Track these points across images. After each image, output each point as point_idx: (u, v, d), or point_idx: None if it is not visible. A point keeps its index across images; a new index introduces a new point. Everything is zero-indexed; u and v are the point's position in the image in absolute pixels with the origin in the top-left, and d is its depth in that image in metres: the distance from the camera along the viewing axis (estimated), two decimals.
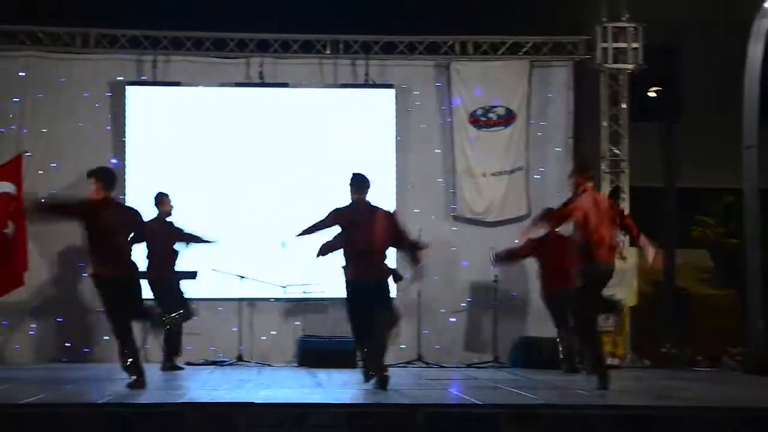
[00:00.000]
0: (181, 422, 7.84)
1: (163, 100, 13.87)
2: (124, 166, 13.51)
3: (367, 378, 9.85)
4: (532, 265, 13.56)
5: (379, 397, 9.17)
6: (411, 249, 10.41)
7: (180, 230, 12.37)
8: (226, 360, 13.17)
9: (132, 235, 10.09)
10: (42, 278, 13.44)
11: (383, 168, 13.41)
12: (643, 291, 14.15)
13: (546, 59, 14.34)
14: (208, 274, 12.76)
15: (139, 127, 13.77)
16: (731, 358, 13.39)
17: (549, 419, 8.10)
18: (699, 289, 15.52)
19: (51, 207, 10.64)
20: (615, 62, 14.08)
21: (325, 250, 10.29)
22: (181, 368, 12.25)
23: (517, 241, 12.79)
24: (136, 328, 12.88)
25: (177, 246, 12.30)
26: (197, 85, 13.93)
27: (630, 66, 14.08)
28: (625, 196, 13.91)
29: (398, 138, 14.02)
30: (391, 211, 10.37)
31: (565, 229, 11.44)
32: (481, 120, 14.18)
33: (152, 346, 13.01)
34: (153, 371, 11.95)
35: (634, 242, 11.20)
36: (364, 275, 9.91)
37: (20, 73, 13.69)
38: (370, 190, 10.11)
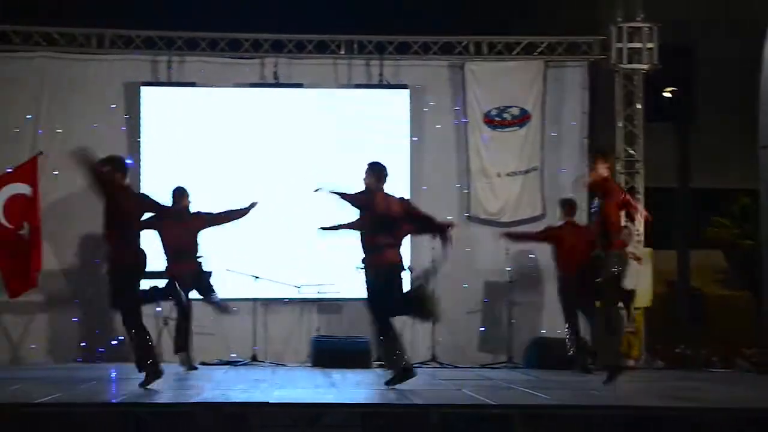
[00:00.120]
0: (195, 422, 7.86)
1: (178, 100, 13.90)
2: (138, 167, 13.54)
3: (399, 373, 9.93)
4: (546, 265, 13.57)
5: (392, 397, 9.18)
6: (436, 228, 10.39)
7: (204, 216, 12.38)
8: (241, 360, 13.19)
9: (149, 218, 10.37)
10: (56, 278, 13.47)
11: (397, 168, 13.38)
12: (658, 292, 14.12)
13: (561, 59, 14.32)
14: (223, 274, 12.77)
15: (154, 128, 13.81)
16: (745, 359, 13.35)
17: (562, 419, 8.09)
18: (714, 289, 15.50)
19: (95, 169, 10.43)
20: (630, 62, 14.04)
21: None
22: (195, 368, 12.25)
23: None
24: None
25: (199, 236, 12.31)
26: (212, 86, 13.95)
27: (645, 66, 14.03)
28: (640, 196, 13.87)
29: (412, 138, 14.02)
30: (405, 198, 10.48)
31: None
32: (495, 120, 14.16)
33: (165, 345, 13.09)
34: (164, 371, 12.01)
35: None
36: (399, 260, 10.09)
37: (35, 74, 13.74)
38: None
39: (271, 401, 8.49)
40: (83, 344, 13.38)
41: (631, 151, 14.06)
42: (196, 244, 12.28)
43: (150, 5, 14.20)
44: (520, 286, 13.77)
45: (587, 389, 9.98)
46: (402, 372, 9.94)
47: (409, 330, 12.58)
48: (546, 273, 13.64)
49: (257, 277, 13.21)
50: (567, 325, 12.43)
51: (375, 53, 14.15)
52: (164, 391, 9.70)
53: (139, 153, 13.69)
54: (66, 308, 13.39)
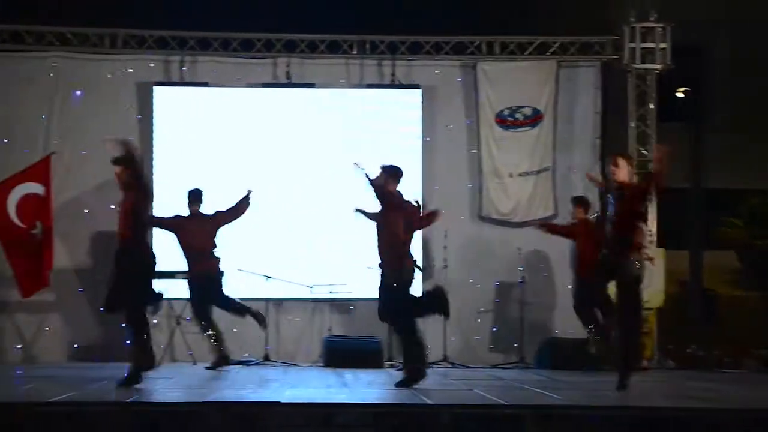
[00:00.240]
0: (207, 421, 7.87)
1: (191, 100, 13.93)
2: (151, 167, 13.56)
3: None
4: (558, 266, 13.56)
5: (404, 397, 9.18)
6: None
7: (213, 216, 12.45)
8: (253, 359, 13.20)
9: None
10: (68, 277, 13.51)
11: (409, 168, 13.37)
12: (670, 292, 14.10)
13: (573, 59, 14.30)
14: (235, 275, 12.79)
15: (167, 128, 13.83)
16: (756, 359, 13.33)
17: (574, 420, 8.08)
18: (726, 290, 15.46)
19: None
20: (643, 62, 14.02)
21: (370, 216, 10.44)
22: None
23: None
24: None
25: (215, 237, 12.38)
26: (224, 86, 13.97)
27: (658, 66, 14.01)
28: (652, 197, 13.84)
29: (424, 138, 14.02)
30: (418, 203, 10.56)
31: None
32: (507, 120, 14.16)
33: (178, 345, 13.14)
34: (176, 370, 12.05)
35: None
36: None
37: (49, 74, 13.78)
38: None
39: (283, 401, 8.50)
40: (96, 344, 13.39)
41: (644, 152, 14.03)
42: (213, 245, 12.37)
43: (163, 5, 14.20)
44: (532, 286, 13.75)
45: (599, 389, 9.96)
46: (418, 374, 9.97)
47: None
48: (558, 273, 13.64)
49: (269, 277, 13.23)
50: (589, 327, 12.45)
51: (387, 53, 14.16)
52: (176, 390, 9.72)
53: (151, 153, 13.71)
54: (78, 307, 13.41)
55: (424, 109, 14.02)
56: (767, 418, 8.14)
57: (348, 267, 13.16)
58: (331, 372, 12.21)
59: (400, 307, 10.11)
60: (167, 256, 12.14)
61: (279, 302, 13.67)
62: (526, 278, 13.68)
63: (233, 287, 12.75)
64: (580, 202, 12.95)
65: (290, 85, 14.00)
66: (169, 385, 10.31)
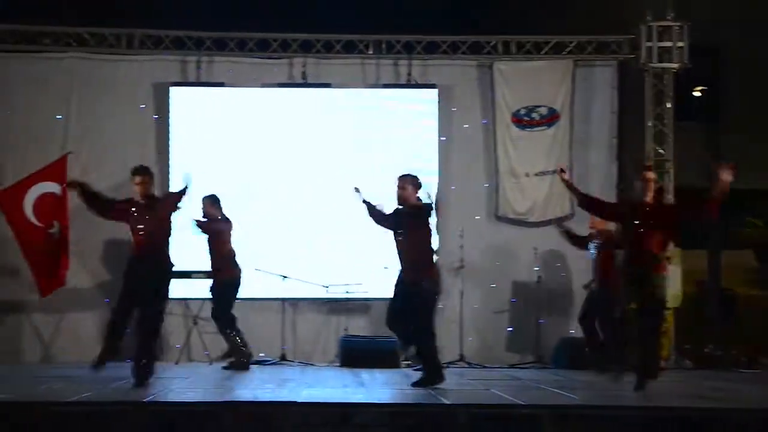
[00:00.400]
0: (224, 421, 7.88)
1: (207, 100, 13.95)
2: (167, 167, 13.61)
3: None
4: (575, 265, 13.53)
5: (421, 397, 9.18)
6: None
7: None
8: (269, 359, 13.22)
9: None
10: (85, 277, 13.56)
11: (426, 168, 13.38)
12: (688, 292, 14.05)
13: (590, 59, 14.26)
14: (251, 274, 12.81)
15: (183, 128, 13.86)
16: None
17: (591, 420, 8.07)
18: (744, 289, 15.41)
19: None
20: (660, 61, 13.97)
21: (372, 211, 10.37)
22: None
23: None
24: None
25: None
26: (240, 86, 13.98)
27: (675, 65, 13.95)
28: (670, 196, 13.81)
29: (441, 138, 14.01)
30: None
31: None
32: (524, 120, 14.13)
33: (195, 344, 13.17)
34: (192, 370, 12.07)
35: None
36: None
37: (66, 75, 13.82)
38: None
39: (299, 400, 8.51)
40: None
41: (661, 151, 13.98)
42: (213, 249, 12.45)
43: (179, 6, 14.23)
44: (548, 285, 13.74)
45: (616, 390, 9.93)
46: (437, 375, 9.98)
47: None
48: (575, 273, 13.60)
49: (285, 277, 13.24)
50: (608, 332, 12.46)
51: (403, 53, 14.15)
52: (193, 390, 9.74)
53: (167, 153, 13.75)
54: (96, 307, 13.44)
55: (440, 108, 14.01)
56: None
57: (364, 267, 13.16)
58: (348, 372, 12.21)
59: (432, 316, 10.15)
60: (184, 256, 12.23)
61: (295, 302, 13.68)
62: (543, 278, 13.66)
63: (250, 287, 12.77)
64: None
65: (306, 85, 14.01)
66: (185, 384, 10.33)
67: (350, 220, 13.14)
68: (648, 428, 8.02)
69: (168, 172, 13.58)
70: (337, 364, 13.19)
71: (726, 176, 9.64)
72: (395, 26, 14.24)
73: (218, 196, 12.47)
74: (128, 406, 8.24)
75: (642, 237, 9.84)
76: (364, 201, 10.38)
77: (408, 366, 12.57)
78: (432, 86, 14.07)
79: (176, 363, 12.99)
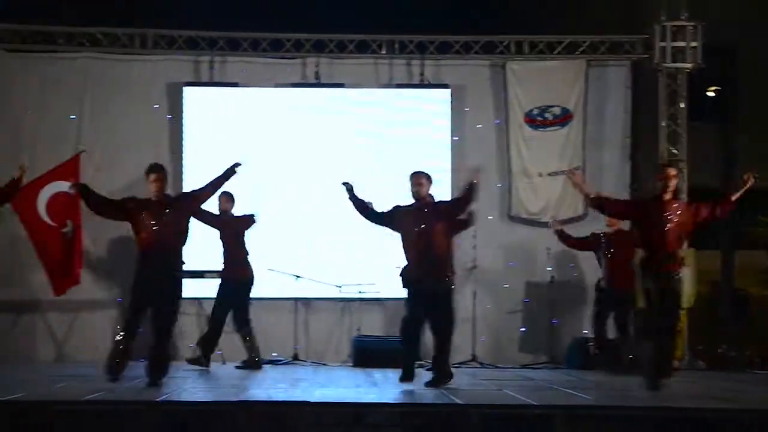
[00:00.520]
0: (237, 421, 7.89)
1: (220, 100, 13.97)
2: (181, 166, 13.64)
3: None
4: (587, 265, 13.50)
5: (433, 397, 9.17)
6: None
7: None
8: (282, 359, 13.24)
9: None
10: (99, 276, 13.59)
11: (439, 168, 13.39)
12: (701, 292, 14.02)
13: (603, 59, 14.24)
14: (264, 274, 12.83)
15: (196, 128, 13.89)
16: None
17: (604, 420, 8.05)
18: (757, 290, 15.36)
19: None
20: (674, 61, 13.94)
21: (363, 207, 10.38)
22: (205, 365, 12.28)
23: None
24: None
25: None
26: (254, 86, 14.00)
27: (689, 65, 13.92)
28: (684, 196, 13.78)
29: (453, 138, 14.00)
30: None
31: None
32: (537, 120, 14.12)
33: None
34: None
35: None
36: None
37: (79, 75, 13.86)
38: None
39: (312, 400, 8.51)
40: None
41: (674, 151, 13.95)
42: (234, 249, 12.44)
43: (192, 6, 14.26)
44: (561, 285, 13.72)
45: (629, 390, 9.92)
46: (447, 374, 10.01)
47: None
48: (587, 273, 13.58)
49: (298, 277, 13.26)
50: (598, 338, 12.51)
51: (416, 53, 14.16)
52: (206, 389, 9.75)
53: (181, 153, 13.78)
54: (109, 306, 13.47)
55: (453, 108, 14.01)
56: None
57: (377, 267, 13.15)
58: (361, 371, 12.22)
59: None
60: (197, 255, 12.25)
61: (308, 302, 13.69)
62: (555, 278, 13.65)
63: (263, 287, 12.79)
64: None
65: (319, 85, 14.03)
66: (198, 384, 10.35)
67: (363, 220, 13.14)
68: (661, 429, 8.00)
69: (181, 172, 13.61)
70: (350, 364, 13.20)
71: (751, 182, 9.95)
72: (408, 26, 14.25)
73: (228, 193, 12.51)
74: (142, 406, 8.25)
75: (662, 235, 9.83)
76: (352, 197, 10.38)
77: (420, 366, 12.54)
78: (445, 86, 14.07)
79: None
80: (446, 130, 13.98)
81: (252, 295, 12.51)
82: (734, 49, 15.73)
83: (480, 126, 14.18)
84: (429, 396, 9.27)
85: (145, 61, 14.03)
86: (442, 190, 11.96)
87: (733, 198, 10.06)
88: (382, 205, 10.50)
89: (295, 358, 13.26)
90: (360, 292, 13.42)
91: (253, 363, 12.21)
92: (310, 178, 13.71)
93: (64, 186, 12.81)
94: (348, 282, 13.41)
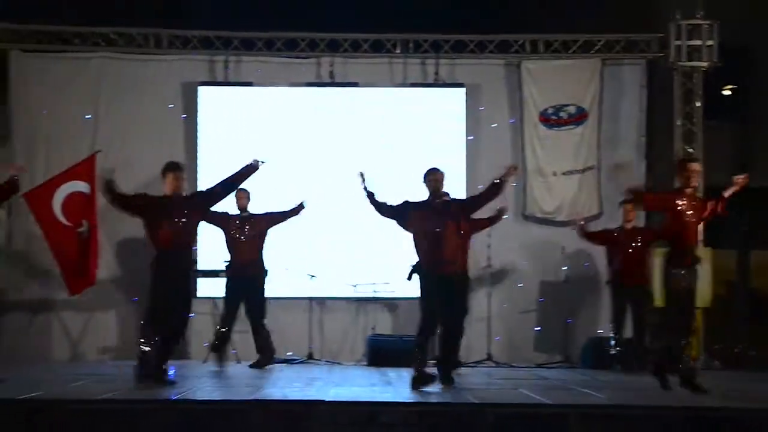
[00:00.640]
0: (252, 419, 7.90)
1: (235, 100, 13.99)
2: (195, 166, 13.66)
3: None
4: (602, 265, 13.46)
5: (449, 396, 9.17)
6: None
7: (263, 216, 12.50)
8: (297, 358, 13.24)
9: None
10: (114, 276, 13.62)
11: (453, 167, 13.36)
12: (717, 292, 13.96)
13: (618, 57, 14.20)
14: (279, 273, 12.83)
15: (211, 127, 13.91)
16: None
17: (619, 420, 8.04)
18: None
19: None
20: (689, 60, 13.89)
21: (376, 200, 10.34)
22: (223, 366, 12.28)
23: None
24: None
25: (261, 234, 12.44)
26: (268, 85, 14.02)
27: (705, 64, 13.86)
28: (699, 195, 13.71)
29: (468, 137, 13.99)
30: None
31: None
32: (551, 119, 14.09)
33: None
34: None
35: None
36: None
37: (94, 75, 13.89)
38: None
39: (327, 399, 8.52)
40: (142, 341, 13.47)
41: (690, 150, 13.90)
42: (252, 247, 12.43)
43: (207, 6, 14.29)
44: (576, 285, 13.70)
45: (644, 389, 9.89)
46: (451, 382, 10.06)
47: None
48: (602, 272, 13.53)
49: (313, 276, 13.26)
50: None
51: (431, 52, 14.15)
52: (221, 388, 9.76)
53: (196, 152, 13.81)
54: (124, 306, 13.50)
55: (467, 108, 13.99)
56: None
57: (391, 266, 13.14)
58: (375, 371, 12.22)
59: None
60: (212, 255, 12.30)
61: (322, 301, 13.69)
62: (570, 277, 13.62)
63: (278, 286, 12.80)
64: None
65: (334, 84, 14.03)
66: (213, 383, 10.37)
67: (378, 219, 13.13)
68: (676, 428, 7.98)
69: (196, 171, 13.63)
70: (364, 363, 13.20)
71: (744, 184, 10.04)
72: (423, 25, 14.24)
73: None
74: (157, 405, 8.28)
75: (690, 228, 9.82)
76: (366, 189, 10.36)
77: (435, 365, 12.53)
78: (459, 85, 14.06)
79: (204, 361, 13.01)
80: (461, 130, 13.96)
81: (267, 294, 12.52)
82: (750, 47, 15.66)
83: (495, 125, 14.16)
84: (444, 395, 9.27)
85: (160, 60, 14.06)
86: (456, 190, 11.93)
87: (726, 195, 10.05)
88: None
89: (310, 357, 13.27)
90: (374, 291, 13.42)
91: (267, 361, 12.24)
92: (324, 177, 13.71)
93: (79, 186, 12.88)
94: (362, 281, 13.41)
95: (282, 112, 13.95)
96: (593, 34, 14.18)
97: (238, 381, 10.77)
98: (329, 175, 13.71)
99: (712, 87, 14.35)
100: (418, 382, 9.70)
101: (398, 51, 14.19)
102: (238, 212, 12.43)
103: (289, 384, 10.22)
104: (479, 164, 13.96)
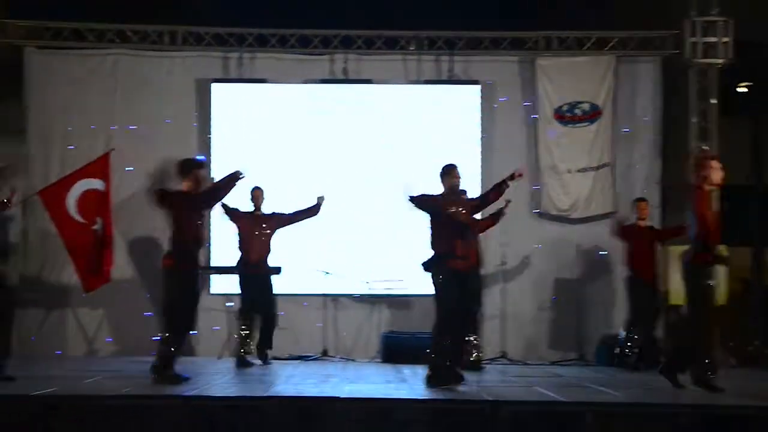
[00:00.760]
0: (267, 416, 7.91)
1: (248, 96, 13.99)
2: (209, 162, 13.66)
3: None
4: (617, 262, 13.43)
5: (463, 393, 9.16)
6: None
7: (278, 216, 12.49)
8: (311, 355, 13.25)
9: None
10: (129, 273, 13.64)
11: (468, 164, 13.34)
12: (732, 289, 13.92)
13: (633, 54, 14.17)
14: (294, 270, 12.84)
15: (225, 124, 13.92)
16: None
17: (634, 418, 8.03)
18: None
19: None
20: (704, 57, 13.84)
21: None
22: (251, 364, 12.24)
23: None
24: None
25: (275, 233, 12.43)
26: (282, 82, 14.01)
27: (720, 61, 13.80)
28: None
29: (483, 134, 13.97)
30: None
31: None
32: (566, 116, 14.06)
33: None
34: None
35: None
36: None
37: (109, 71, 13.91)
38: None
39: (342, 396, 8.52)
40: (156, 338, 13.49)
41: (705, 147, 13.85)
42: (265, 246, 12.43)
43: (221, 2, 14.29)
44: (590, 282, 13.67)
45: (658, 387, 9.86)
46: (460, 378, 10.01)
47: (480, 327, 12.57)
48: (617, 269, 13.51)
49: (328, 273, 13.27)
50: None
51: (445, 49, 14.13)
52: (236, 384, 9.76)
53: (209, 149, 13.81)
54: (139, 302, 13.51)
55: (482, 104, 13.97)
56: None
57: (405, 263, 13.13)
58: (390, 368, 12.21)
59: None
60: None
61: (337, 298, 13.69)
62: (585, 275, 13.59)
63: (293, 283, 12.80)
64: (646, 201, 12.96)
65: (347, 81, 14.02)
66: (228, 379, 10.38)
67: (392, 217, 13.15)
68: (691, 426, 7.96)
69: (210, 168, 13.61)
70: (379, 360, 13.20)
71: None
72: (436, 22, 14.20)
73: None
74: (172, 400, 8.29)
75: (716, 226, 9.78)
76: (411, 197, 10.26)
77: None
78: (474, 82, 14.04)
79: (219, 358, 13.03)
80: (475, 127, 13.94)
81: (282, 291, 12.52)
82: (765, 44, 15.58)
83: (509, 122, 14.13)
84: (459, 392, 9.26)
85: (174, 57, 14.07)
86: (471, 187, 11.91)
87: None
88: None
89: (324, 354, 13.28)
90: (388, 288, 13.42)
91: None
92: (338, 174, 13.71)
93: (94, 183, 12.91)
94: (377, 278, 13.42)
95: (295, 108, 13.94)
96: (607, 31, 14.15)
97: (253, 377, 10.77)
98: (342, 172, 13.72)
99: (727, 84, 14.29)
100: (439, 380, 9.62)
101: (412, 48, 14.18)
102: (252, 210, 12.43)
103: (303, 380, 10.23)
104: (494, 161, 13.92)
